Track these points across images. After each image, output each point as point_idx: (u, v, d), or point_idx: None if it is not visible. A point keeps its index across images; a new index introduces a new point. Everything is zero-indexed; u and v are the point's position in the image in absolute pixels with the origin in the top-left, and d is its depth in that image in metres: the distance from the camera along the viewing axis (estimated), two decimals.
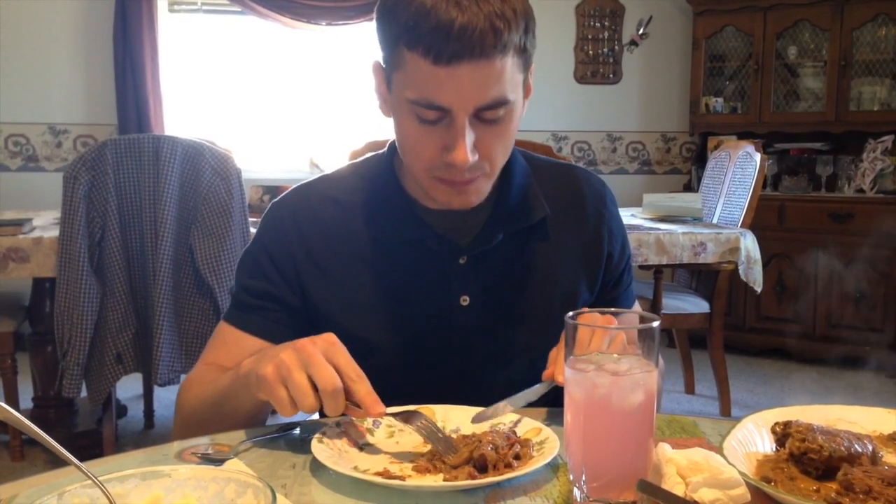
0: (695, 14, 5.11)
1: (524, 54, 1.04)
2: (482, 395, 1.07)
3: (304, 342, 0.94)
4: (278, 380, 0.92)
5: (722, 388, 3.58)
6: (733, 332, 4.49)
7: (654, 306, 3.39)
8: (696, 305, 3.57)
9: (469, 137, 1.03)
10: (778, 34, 4.91)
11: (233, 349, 1.16)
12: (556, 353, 1.04)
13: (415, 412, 0.96)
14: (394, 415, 0.96)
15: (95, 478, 0.64)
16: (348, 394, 0.93)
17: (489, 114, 1.03)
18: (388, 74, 1.07)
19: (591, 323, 0.81)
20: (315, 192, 1.24)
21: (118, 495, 0.66)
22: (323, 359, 0.92)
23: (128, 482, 0.67)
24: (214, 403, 1.09)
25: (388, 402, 1.03)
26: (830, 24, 4.71)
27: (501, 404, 1.01)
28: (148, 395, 3.45)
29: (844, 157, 4.79)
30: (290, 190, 1.26)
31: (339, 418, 0.99)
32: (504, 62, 1.00)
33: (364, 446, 0.95)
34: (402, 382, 1.16)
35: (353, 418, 0.98)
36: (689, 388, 4.04)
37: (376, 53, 1.10)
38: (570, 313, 0.82)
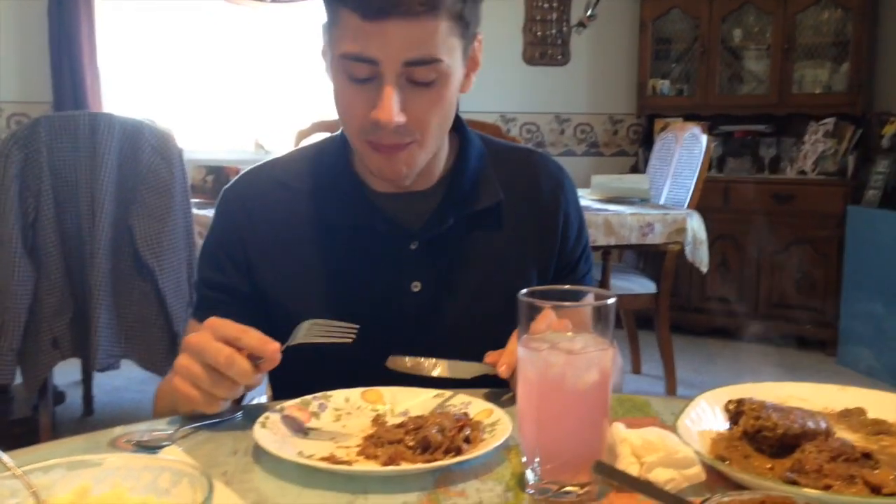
0: None
1: (460, 20, 1.02)
2: (434, 381, 1.04)
3: (188, 338, 0.92)
4: (186, 384, 0.91)
5: (668, 367, 3.62)
6: (679, 313, 4.54)
7: (602, 287, 3.40)
8: (643, 286, 3.59)
9: (397, 96, 1.01)
10: (723, 17, 4.95)
11: None
12: (512, 342, 1.02)
13: (303, 323, 0.96)
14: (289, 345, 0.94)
15: (15, 468, 0.60)
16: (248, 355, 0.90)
17: (420, 74, 1.01)
18: (328, 31, 1.06)
19: (544, 301, 0.78)
20: (264, 176, 1.22)
21: (43, 486, 0.62)
22: (207, 339, 0.90)
23: (53, 472, 0.63)
24: (172, 408, 1.05)
25: (341, 388, 1.01)
26: (774, 7, 4.77)
27: (429, 361, 1.02)
28: (87, 381, 3.35)
29: (787, 140, 4.87)
30: (239, 175, 1.24)
31: (283, 403, 0.95)
32: (435, 24, 0.99)
33: (309, 431, 0.92)
34: (354, 369, 1.13)
35: (297, 403, 0.94)
36: (636, 368, 4.08)
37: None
38: (524, 290, 0.79)
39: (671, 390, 3.61)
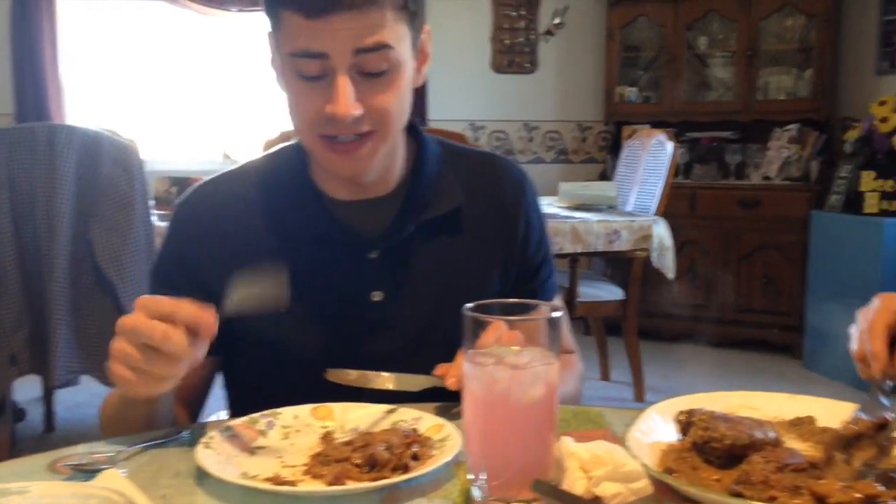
0: (609, 4, 5.16)
1: (405, 10, 1.02)
2: (396, 393, 1.03)
3: (120, 322, 0.88)
4: (121, 368, 0.87)
5: (636, 374, 3.63)
6: (648, 319, 4.55)
7: (570, 294, 3.40)
8: (610, 293, 3.60)
9: (350, 88, 1.00)
10: (688, 25, 4.99)
11: None
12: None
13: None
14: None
15: None
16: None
17: (371, 63, 1.00)
18: (274, 36, 1.05)
19: (488, 316, 0.77)
20: (219, 189, 1.19)
21: None
22: (140, 318, 0.86)
23: None
24: (118, 421, 1.03)
25: (301, 402, 0.99)
26: (738, 14, 4.81)
27: (375, 374, 1.01)
28: (48, 398, 3.29)
29: (752, 146, 4.91)
30: (193, 188, 1.21)
31: (230, 422, 0.94)
32: (380, 13, 0.98)
33: (256, 450, 0.90)
34: (315, 382, 1.12)
35: (242, 423, 0.92)
36: (605, 375, 4.08)
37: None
38: (468, 305, 0.78)
39: (639, 396, 3.62)
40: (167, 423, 1.03)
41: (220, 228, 1.15)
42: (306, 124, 1.05)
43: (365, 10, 0.97)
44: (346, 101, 0.99)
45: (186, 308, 0.87)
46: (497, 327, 0.77)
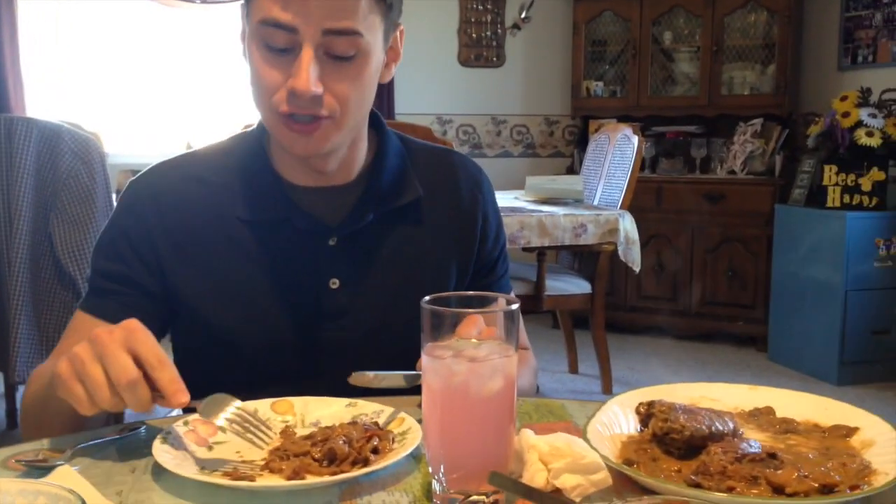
0: None
1: (381, 2, 1.02)
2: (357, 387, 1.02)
3: (100, 332, 0.85)
4: (73, 375, 0.84)
5: (603, 367, 3.66)
6: (615, 312, 4.59)
7: (537, 288, 3.41)
8: (578, 286, 3.62)
9: (314, 66, 0.99)
10: (654, 20, 5.02)
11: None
12: None
13: (225, 398, 0.87)
14: (199, 404, 0.87)
15: None
16: (153, 383, 0.84)
17: (339, 46, 1.00)
18: (246, 9, 1.04)
19: (447, 309, 0.76)
20: (178, 170, 1.17)
21: None
22: (118, 348, 0.83)
23: None
24: (42, 398, 1.01)
25: (257, 392, 0.98)
26: (703, 10, 4.85)
27: (388, 374, 0.98)
28: (10, 394, 3.24)
29: (717, 140, 4.96)
30: (150, 167, 1.18)
31: (188, 416, 0.92)
32: (356, 1, 0.99)
33: (214, 445, 0.89)
34: (271, 370, 1.11)
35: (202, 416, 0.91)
36: (573, 368, 4.11)
37: None
38: (427, 298, 0.78)
39: (607, 389, 3.65)
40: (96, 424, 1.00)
41: (178, 209, 1.13)
42: (266, 97, 1.04)
43: None
44: (309, 77, 0.99)
45: (167, 375, 0.83)
46: (475, 321, 0.77)
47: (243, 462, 0.85)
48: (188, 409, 0.96)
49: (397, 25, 1.10)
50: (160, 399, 0.84)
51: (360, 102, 1.07)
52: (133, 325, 0.86)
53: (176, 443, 0.86)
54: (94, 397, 0.83)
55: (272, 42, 1.00)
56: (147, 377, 0.84)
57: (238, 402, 0.87)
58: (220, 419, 0.86)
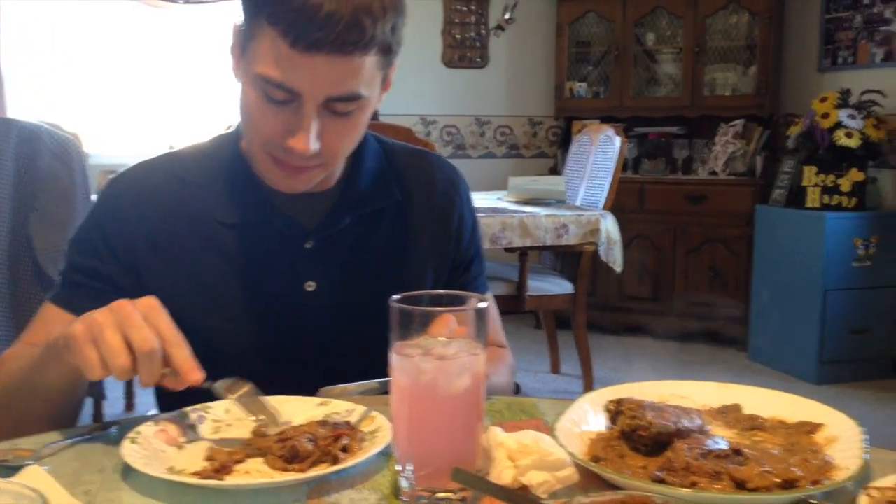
0: (558, 0, 5.19)
1: (388, 54, 1.01)
2: (332, 384, 1.04)
3: (122, 303, 0.87)
4: (88, 339, 0.86)
5: (585, 367, 3.67)
6: (598, 312, 4.61)
7: (519, 288, 3.42)
8: (560, 287, 3.63)
9: (315, 127, 0.99)
10: (636, 21, 5.05)
11: (54, 329, 1.06)
12: None
13: (239, 381, 0.93)
14: (214, 383, 0.91)
15: None
16: (166, 360, 0.86)
17: (340, 106, 1.00)
18: (245, 42, 1.02)
19: (413, 307, 0.77)
20: (159, 170, 1.17)
21: None
22: (141, 319, 0.86)
23: None
24: (24, 377, 1.01)
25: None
26: (685, 11, 4.88)
27: (342, 387, 1.00)
28: None
29: (699, 141, 4.99)
30: (132, 166, 1.19)
31: (157, 416, 0.93)
32: (363, 60, 0.97)
33: (184, 444, 0.89)
34: (246, 371, 1.11)
35: (174, 415, 0.91)
36: (555, 368, 4.12)
37: (239, 16, 1.03)
38: (394, 296, 0.78)
39: (588, 389, 3.65)
40: (73, 404, 1.04)
41: (158, 209, 1.13)
42: (258, 140, 1.04)
43: (349, 54, 0.95)
44: (309, 140, 0.99)
45: (183, 354, 0.86)
46: (448, 320, 0.77)
47: (211, 461, 0.85)
48: (168, 408, 0.97)
49: (393, 64, 1.07)
50: (169, 377, 0.87)
51: (351, 146, 1.09)
52: (153, 302, 0.89)
53: (145, 443, 0.86)
54: (108, 362, 0.85)
55: (272, 96, 0.99)
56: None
57: (251, 385, 0.93)
58: (234, 399, 0.91)
